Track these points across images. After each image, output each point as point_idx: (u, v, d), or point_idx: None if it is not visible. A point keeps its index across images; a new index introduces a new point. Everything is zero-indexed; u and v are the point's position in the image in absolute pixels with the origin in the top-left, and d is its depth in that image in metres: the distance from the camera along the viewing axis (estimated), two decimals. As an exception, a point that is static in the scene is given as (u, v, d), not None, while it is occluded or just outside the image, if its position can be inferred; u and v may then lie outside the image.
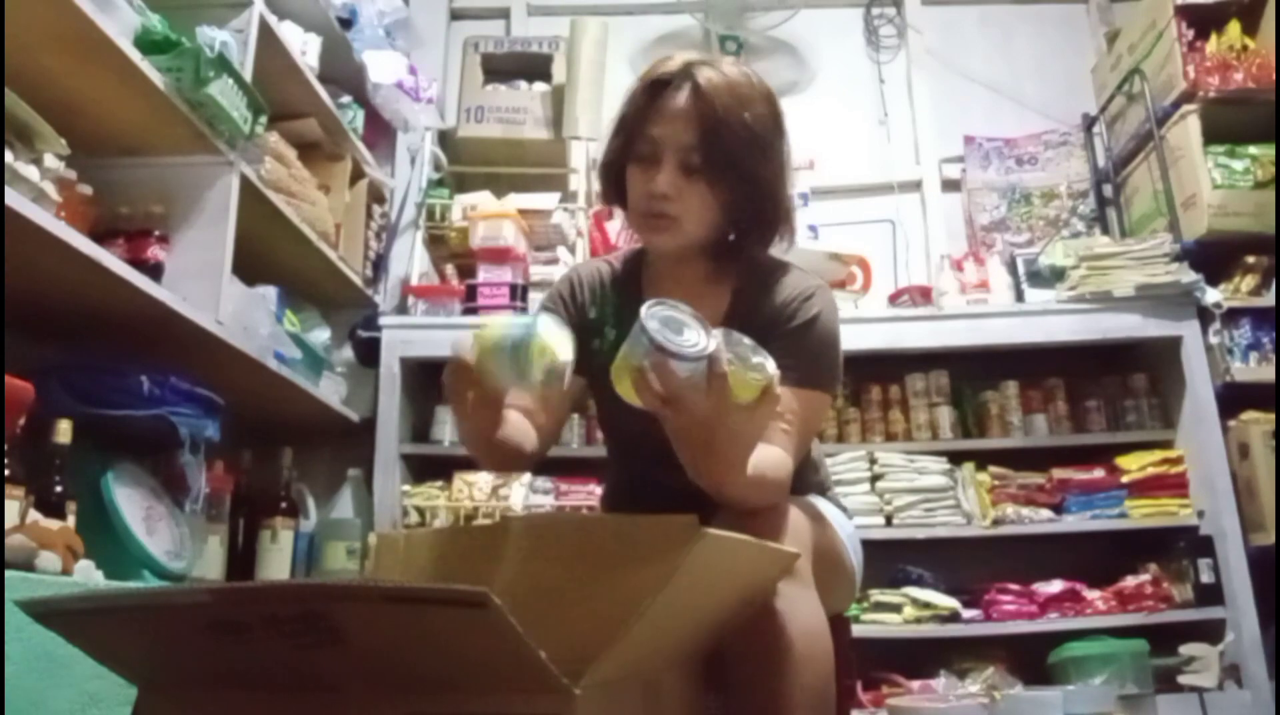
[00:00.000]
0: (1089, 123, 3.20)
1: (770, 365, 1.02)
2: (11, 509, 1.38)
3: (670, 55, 1.31)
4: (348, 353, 2.77)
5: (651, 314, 0.98)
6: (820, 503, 1.31)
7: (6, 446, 1.40)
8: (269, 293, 2.28)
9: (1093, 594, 2.52)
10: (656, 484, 1.33)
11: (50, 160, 1.57)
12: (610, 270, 1.42)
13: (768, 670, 1.02)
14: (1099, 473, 2.61)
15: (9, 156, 1.46)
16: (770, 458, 1.14)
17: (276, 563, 2.21)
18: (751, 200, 1.28)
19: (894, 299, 2.85)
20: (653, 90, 1.27)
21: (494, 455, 1.25)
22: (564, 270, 1.11)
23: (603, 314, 1.37)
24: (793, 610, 1.04)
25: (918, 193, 3.27)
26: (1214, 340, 2.57)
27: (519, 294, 2.71)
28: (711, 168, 1.24)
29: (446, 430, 2.71)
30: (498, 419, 1.18)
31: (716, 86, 1.25)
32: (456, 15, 3.49)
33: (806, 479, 1.33)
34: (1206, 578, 2.42)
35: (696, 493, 1.17)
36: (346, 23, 2.82)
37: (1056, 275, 2.76)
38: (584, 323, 1.35)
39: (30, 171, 1.49)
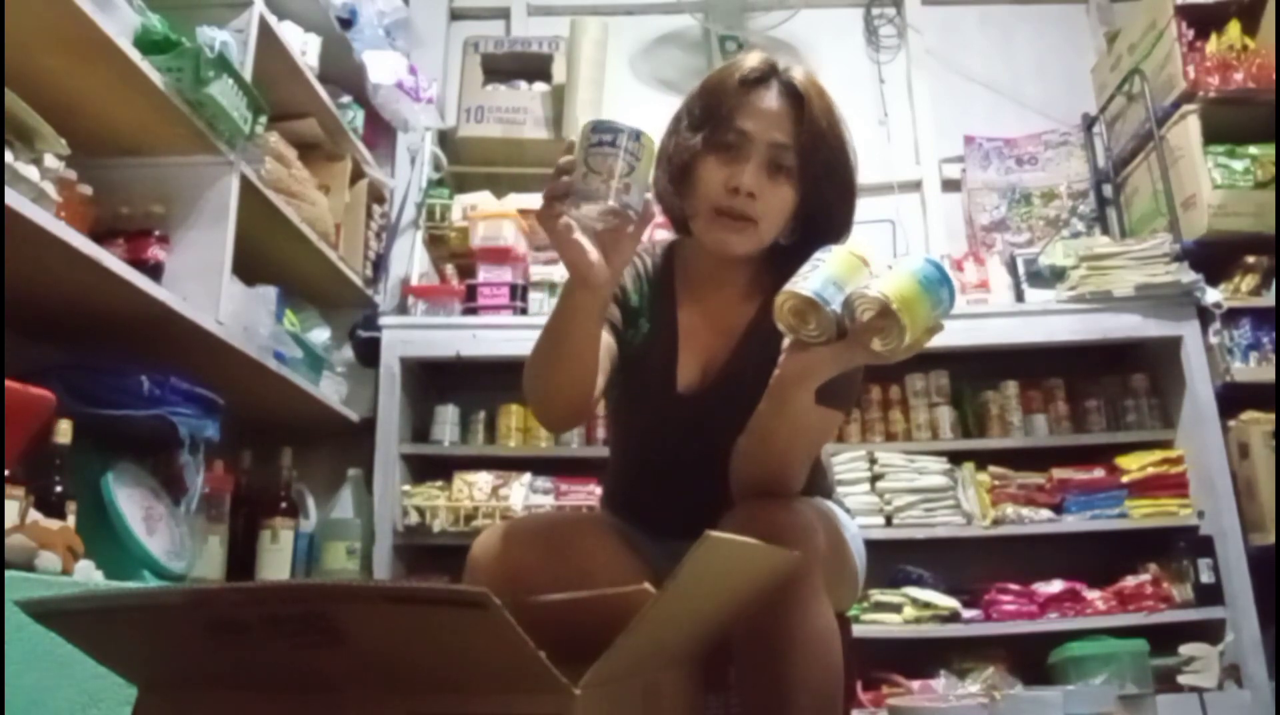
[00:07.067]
0: (1089, 123, 3.20)
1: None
2: (11, 509, 1.38)
3: (745, 54, 1.27)
4: (348, 353, 2.77)
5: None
6: (828, 505, 1.31)
7: (22, 454, 1.40)
8: (269, 293, 2.28)
9: (1093, 594, 2.52)
10: (662, 484, 1.33)
11: (50, 160, 1.57)
12: (642, 264, 1.37)
13: (777, 671, 1.01)
14: (1099, 473, 2.61)
15: (9, 156, 1.46)
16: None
17: (276, 563, 2.21)
18: (830, 208, 1.25)
19: (894, 299, 2.84)
20: (744, 85, 1.23)
21: (573, 357, 1.12)
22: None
23: (640, 305, 1.32)
24: (804, 612, 1.03)
25: (918, 193, 3.27)
26: (1214, 340, 2.56)
27: (519, 294, 2.72)
28: (804, 170, 1.21)
29: (446, 430, 2.71)
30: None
31: (810, 89, 1.22)
32: (456, 15, 3.49)
33: (814, 482, 1.32)
34: (1206, 578, 2.42)
35: (700, 493, 1.17)
36: (346, 23, 2.82)
37: (1056, 275, 2.76)
38: (626, 307, 1.31)
39: (30, 171, 1.49)
